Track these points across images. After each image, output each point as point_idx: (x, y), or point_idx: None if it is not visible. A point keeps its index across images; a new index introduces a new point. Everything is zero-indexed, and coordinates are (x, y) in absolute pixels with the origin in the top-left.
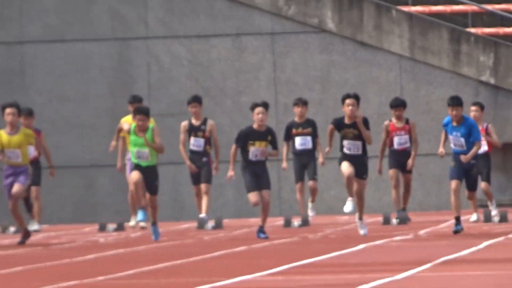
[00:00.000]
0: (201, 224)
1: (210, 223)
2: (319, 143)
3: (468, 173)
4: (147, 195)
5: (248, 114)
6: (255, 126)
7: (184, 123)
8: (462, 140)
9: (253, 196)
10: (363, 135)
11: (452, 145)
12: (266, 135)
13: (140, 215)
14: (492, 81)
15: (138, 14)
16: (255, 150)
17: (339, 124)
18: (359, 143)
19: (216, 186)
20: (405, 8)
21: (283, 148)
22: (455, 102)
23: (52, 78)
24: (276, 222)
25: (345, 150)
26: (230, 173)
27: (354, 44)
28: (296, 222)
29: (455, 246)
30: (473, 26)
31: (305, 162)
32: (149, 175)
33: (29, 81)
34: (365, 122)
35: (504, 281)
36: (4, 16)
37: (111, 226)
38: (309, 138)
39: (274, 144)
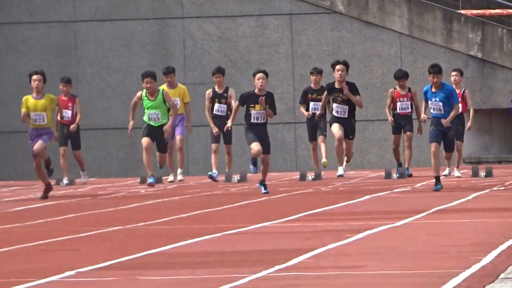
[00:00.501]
0: (228, 178)
1: (236, 177)
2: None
3: (445, 135)
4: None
5: (268, 83)
6: (256, 90)
7: (209, 91)
8: (441, 104)
9: (255, 145)
10: (353, 101)
11: (431, 110)
12: (266, 98)
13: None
14: (479, 55)
15: None
16: (255, 113)
17: (330, 89)
18: (346, 107)
19: (241, 144)
20: None
21: (301, 109)
22: (436, 69)
23: (101, 52)
24: (293, 177)
25: (334, 113)
26: (229, 123)
27: (360, 23)
28: (310, 176)
29: (446, 198)
30: (463, 8)
31: (317, 123)
32: (159, 134)
33: (81, 54)
34: (354, 88)
35: (489, 227)
36: None
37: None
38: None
39: (272, 107)
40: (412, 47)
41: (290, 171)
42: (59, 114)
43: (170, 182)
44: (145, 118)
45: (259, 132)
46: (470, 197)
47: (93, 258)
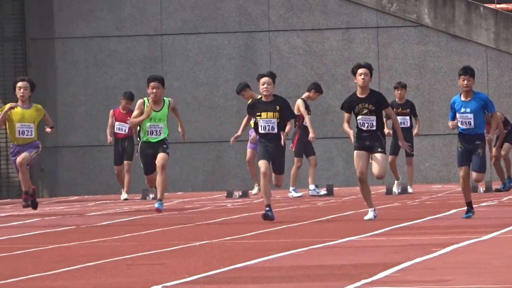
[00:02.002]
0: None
1: (323, 190)
2: (418, 121)
3: (473, 153)
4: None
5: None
6: (262, 97)
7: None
8: (471, 116)
9: (263, 164)
10: (389, 115)
11: (459, 124)
12: (273, 105)
13: (158, 204)
14: None
15: (262, 10)
16: (264, 121)
17: (351, 102)
18: (373, 117)
19: (328, 158)
20: (491, 6)
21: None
22: (469, 72)
23: (188, 65)
24: (379, 190)
25: (359, 126)
26: (235, 135)
27: (447, 36)
28: (397, 190)
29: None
30: None
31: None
32: (158, 147)
33: (167, 68)
34: (380, 98)
35: None
36: (147, 12)
37: (237, 193)
38: (407, 118)
39: (285, 113)
40: (499, 61)
41: (376, 184)
42: (109, 128)
43: (253, 195)
44: (142, 133)
45: (270, 145)
46: None
47: (180, 273)
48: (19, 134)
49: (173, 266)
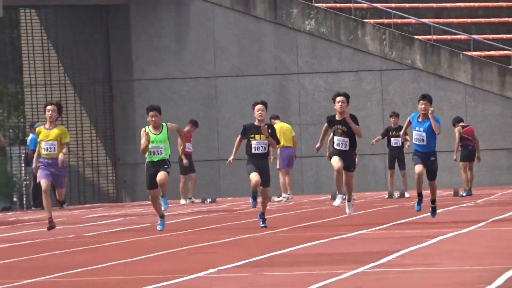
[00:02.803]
0: (333, 196)
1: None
2: (408, 140)
3: (429, 167)
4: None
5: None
6: (256, 122)
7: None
8: (424, 135)
9: (254, 175)
10: (353, 129)
11: (414, 141)
12: (266, 128)
13: (163, 202)
14: None
15: (292, 58)
16: (256, 143)
17: (331, 121)
18: (347, 139)
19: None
20: (469, 53)
21: (377, 138)
22: (427, 98)
23: (236, 100)
24: (383, 195)
25: (335, 146)
26: (230, 158)
27: (435, 77)
28: (396, 195)
29: (503, 210)
30: None
31: (397, 155)
32: (160, 166)
33: (220, 103)
34: (354, 119)
35: None
36: (205, 59)
37: (274, 198)
38: (399, 139)
39: (274, 137)
40: (474, 95)
41: (381, 191)
42: (181, 146)
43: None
44: (147, 154)
45: (259, 163)
46: None
47: (230, 259)
48: (45, 151)
49: (225, 254)
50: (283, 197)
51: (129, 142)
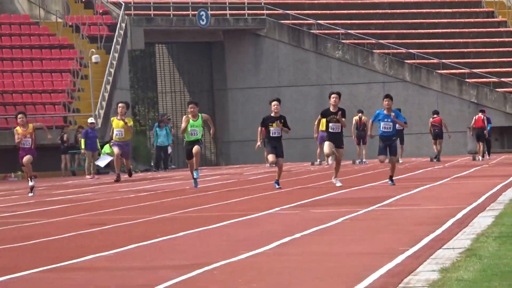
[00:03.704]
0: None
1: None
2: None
3: (390, 145)
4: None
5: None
6: (272, 114)
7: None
8: (391, 124)
9: (271, 157)
10: (341, 123)
11: (382, 129)
12: (280, 118)
13: (195, 173)
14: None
15: (328, 73)
16: (273, 129)
17: (326, 112)
18: (339, 124)
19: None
20: (440, 71)
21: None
22: (390, 96)
23: (292, 103)
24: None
25: (330, 129)
26: (258, 143)
27: (418, 87)
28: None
29: (461, 170)
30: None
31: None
32: (195, 143)
33: (283, 105)
34: (343, 112)
35: (489, 186)
36: (273, 74)
37: (316, 162)
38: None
39: (285, 125)
40: (443, 98)
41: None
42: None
43: (326, 165)
44: (187, 136)
45: (275, 143)
46: (472, 170)
47: (287, 202)
48: (116, 136)
49: (284, 199)
50: (319, 161)
51: (224, 128)
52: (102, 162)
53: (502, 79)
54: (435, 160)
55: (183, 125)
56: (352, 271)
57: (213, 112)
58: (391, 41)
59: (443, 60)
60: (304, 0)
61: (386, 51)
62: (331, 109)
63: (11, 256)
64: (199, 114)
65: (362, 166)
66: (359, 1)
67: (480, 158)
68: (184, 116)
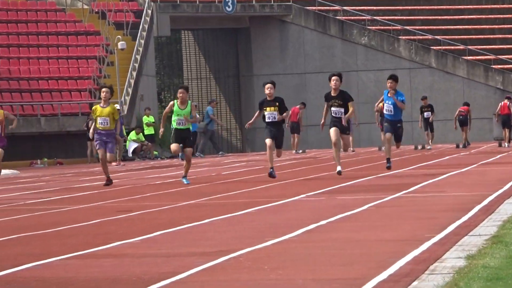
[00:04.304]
0: (379, 148)
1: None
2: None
3: (396, 132)
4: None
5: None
6: (267, 97)
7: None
8: (392, 107)
9: (269, 141)
10: (350, 109)
11: (384, 111)
12: (274, 102)
13: (184, 180)
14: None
15: (353, 59)
16: (268, 113)
17: (328, 97)
18: (342, 109)
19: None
20: (467, 57)
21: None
22: (394, 77)
23: (317, 88)
24: (411, 147)
25: (332, 114)
26: (249, 122)
27: (444, 73)
28: (420, 146)
29: (487, 157)
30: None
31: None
32: (185, 135)
33: (308, 90)
34: (347, 94)
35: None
36: (299, 60)
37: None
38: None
39: (281, 108)
40: (469, 84)
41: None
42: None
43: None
44: (174, 124)
45: (273, 129)
46: (498, 156)
47: (313, 188)
48: (100, 125)
49: (310, 185)
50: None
51: (249, 115)
52: (129, 149)
53: None
54: (461, 147)
55: (166, 109)
56: (378, 257)
57: (239, 98)
58: (417, 27)
59: (469, 47)
60: None
61: (412, 37)
62: (332, 93)
63: (40, 243)
64: (189, 102)
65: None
66: None
67: (506, 144)
68: (170, 103)
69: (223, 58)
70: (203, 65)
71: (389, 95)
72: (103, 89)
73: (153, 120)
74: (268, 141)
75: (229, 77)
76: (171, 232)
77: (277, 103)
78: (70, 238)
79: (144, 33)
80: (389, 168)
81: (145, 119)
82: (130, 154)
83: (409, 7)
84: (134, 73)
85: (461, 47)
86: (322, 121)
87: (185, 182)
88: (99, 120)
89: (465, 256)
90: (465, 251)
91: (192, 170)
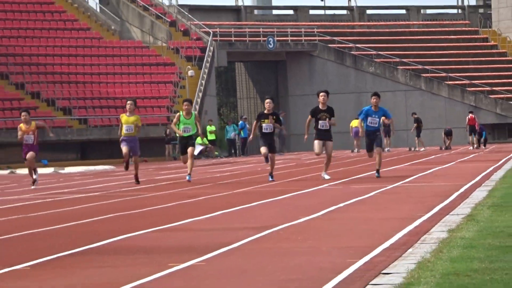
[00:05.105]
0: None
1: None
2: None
3: (375, 139)
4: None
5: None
6: (265, 111)
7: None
8: (377, 120)
9: (263, 149)
10: (331, 123)
11: (368, 123)
12: (272, 115)
13: (188, 177)
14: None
15: (363, 85)
16: (265, 125)
17: (315, 111)
18: (327, 122)
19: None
20: (447, 82)
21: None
22: (378, 94)
23: (338, 106)
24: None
25: (319, 127)
26: (250, 137)
27: (429, 94)
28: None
29: (464, 155)
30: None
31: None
32: (190, 141)
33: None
34: (331, 110)
35: (484, 168)
36: (321, 84)
37: (356, 149)
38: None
39: (278, 121)
40: (451, 103)
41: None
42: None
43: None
44: (181, 130)
45: (268, 138)
46: (471, 156)
47: (331, 180)
48: (125, 131)
49: (331, 177)
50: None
51: (286, 125)
52: (195, 150)
53: (493, 88)
54: (471, 148)
55: (174, 120)
56: (382, 231)
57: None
58: (410, 59)
59: (450, 74)
60: (346, 29)
61: (407, 67)
62: (320, 107)
63: (128, 221)
64: (193, 113)
65: (387, 153)
66: (387, 30)
67: (471, 147)
68: (177, 114)
69: (266, 83)
70: (251, 88)
71: (373, 109)
72: (128, 102)
73: (215, 129)
74: (264, 148)
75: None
76: (228, 212)
77: (274, 116)
78: (151, 217)
79: (208, 64)
80: (378, 176)
81: (208, 128)
82: (195, 154)
83: (405, 45)
84: (200, 94)
85: (443, 74)
86: (306, 136)
87: (188, 179)
88: (124, 127)
89: (447, 230)
90: (447, 226)
91: (243, 166)
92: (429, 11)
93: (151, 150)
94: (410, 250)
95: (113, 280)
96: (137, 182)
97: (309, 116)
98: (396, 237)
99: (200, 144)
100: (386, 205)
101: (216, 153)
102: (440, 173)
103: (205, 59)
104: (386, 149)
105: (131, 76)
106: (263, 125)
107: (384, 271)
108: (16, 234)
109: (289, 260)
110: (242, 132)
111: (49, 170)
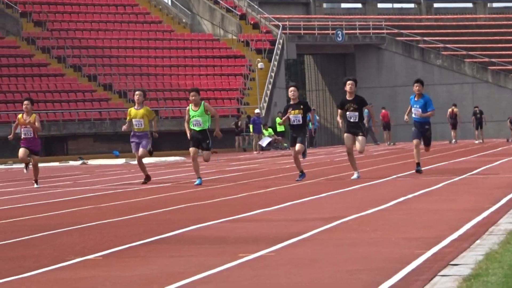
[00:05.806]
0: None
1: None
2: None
3: (424, 134)
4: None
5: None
6: (291, 101)
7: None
8: (420, 110)
9: (292, 149)
10: (370, 111)
11: (412, 114)
12: (299, 105)
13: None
14: None
15: (430, 76)
16: (292, 116)
17: (343, 102)
18: (356, 113)
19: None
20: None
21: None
22: (419, 81)
23: (406, 98)
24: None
25: (348, 119)
26: (282, 120)
27: (497, 86)
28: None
29: (483, 162)
30: None
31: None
32: (202, 137)
33: (397, 98)
34: (362, 99)
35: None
36: (389, 77)
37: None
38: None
39: (305, 111)
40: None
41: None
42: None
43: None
44: (191, 125)
45: (296, 131)
46: (496, 163)
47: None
48: (135, 126)
49: (396, 169)
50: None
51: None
52: (264, 142)
53: None
54: (510, 140)
55: (185, 117)
56: (450, 222)
57: None
58: (477, 52)
59: None
60: (414, 23)
61: (474, 60)
62: (347, 96)
63: (200, 211)
64: (202, 102)
65: (455, 145)
66: (454, 23)
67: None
68: (187, 108)
69: (335, 75)
70: (320, 80)
71: (415, 98)
72: (137, 92)
73: None
74: (292, 149)
75: (339, 89)
76: (298, 203)
77: (301, 106)
78: (223, 207)
79: (277, 57)
80: (419, 172)
81: (278, 120)
82: (263, 145)
83: (472, 38)
84: (270, 86)
85: (510, 67)
86: (340, 124)
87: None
88: (134, 121)
89: None
90: None
91: (311, 157)
92: (495, 4)
93: (221, 141)
94: (478, 241)
95: (186, 270)
96: (147, 180)
97: (338, 110)
98: (464, 229)
99: (269, 136)
100: (453, 197)
101: (285, 144)
102: (507, 165)
103: (274, 52)
104: (452, 141)
105: (201, 68)
106: (291, 116)
107: (452, 262)
108: (89, 224)
109: (358, 251)
110: (310, 124)
111: (121, 161)
